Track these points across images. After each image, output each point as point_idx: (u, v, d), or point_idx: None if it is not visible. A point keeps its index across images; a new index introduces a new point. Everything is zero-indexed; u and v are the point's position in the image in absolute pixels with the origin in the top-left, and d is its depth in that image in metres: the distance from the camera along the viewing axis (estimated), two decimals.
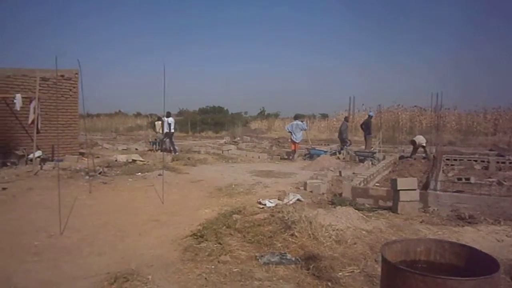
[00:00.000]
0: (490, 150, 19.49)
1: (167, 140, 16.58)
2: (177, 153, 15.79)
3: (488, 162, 13.32)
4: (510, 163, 13.33)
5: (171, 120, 16.87)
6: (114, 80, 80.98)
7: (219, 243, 4.92)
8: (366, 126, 17.12)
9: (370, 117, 17.29)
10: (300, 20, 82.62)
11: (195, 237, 5.21)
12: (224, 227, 5.51)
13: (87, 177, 9.54)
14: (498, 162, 13.37)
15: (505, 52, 67.71)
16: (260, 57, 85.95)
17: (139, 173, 10.72)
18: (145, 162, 12.83)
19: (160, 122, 17.87)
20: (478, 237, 5.41)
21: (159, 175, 9.79)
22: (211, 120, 40.22)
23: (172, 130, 16.77)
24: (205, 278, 3.97)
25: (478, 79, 65.72)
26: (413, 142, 15.63)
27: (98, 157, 13.54)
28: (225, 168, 12.67)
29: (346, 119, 17.87)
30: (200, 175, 10.97)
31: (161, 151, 15.47)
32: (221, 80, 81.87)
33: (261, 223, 5.60)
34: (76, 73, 13.26)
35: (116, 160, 12.72)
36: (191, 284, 3.87)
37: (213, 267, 4.24)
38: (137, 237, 5.42)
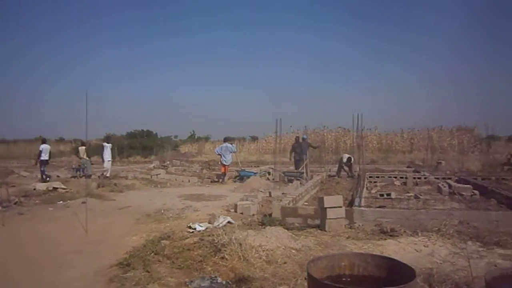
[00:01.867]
0: (408, 167, 20.88)
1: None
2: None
3: (406, 178, 14.22)
4: (425, 178, 14.33)
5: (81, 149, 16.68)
6: (34, 103, 76.06)
7: (147, 271, 4.74)
8: (302, 148, 17.02)
9: (304, 139, 17.53)
10: (228, 41, 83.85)
11: (121, 266, 4.98)
12: (152, 254, 5.33)
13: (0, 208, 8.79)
14: (414, 178, 14.32)
15: (416, 77, 73.54)
16: (190, 79, 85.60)
17: (61, 202, 10.11)
18: (67, 190, 12.12)
19: (83, 147, 17.03)
20: (399, 249, 5.71)
21: (82, 202, 9.27)
22: (139, 144, 39.04)
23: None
24: None
25: (395, 102, 70.52)
26: (341, 161, 16.28)
27: (13, 186, 12.58)
28: (154, 193, 12.32)
29: (303, 139, 17.33)
30: (128, 201, 10.56)
31: (85, 177, 14.73)
32: (150, 103, 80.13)
33: (190, 247, 5.48)
34: None
35: (34, 189, 11.89)
36: None
37: None
38: (57, 270, 5.06)
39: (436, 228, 6.45)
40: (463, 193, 10.65)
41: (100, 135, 41.36)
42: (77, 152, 17.97)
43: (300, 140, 17.17)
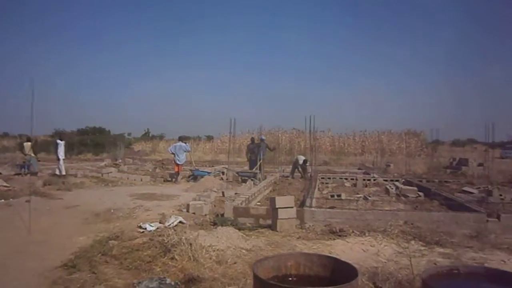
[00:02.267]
0: (359, 169, 21.54)
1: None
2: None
3: (357, 179, 14.65)
4: (374, 180, 14.83)
5: None
6: None
7: (93, 273, 4.60)
8: (259, 149, 16.97)
9: (262, 140, 17.53)
10: (181, 34, 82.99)
11: (66, 267, 4.81)
12: (100, 254, 5.19)
13: None
14: (364, 180, 14.79)
15: (370, 82, 75.96)
16: (145, 77, 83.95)
17: (2, 200, 9.62)
18: (10, 188, 11.54)
19: (29, 143, 16.27)
20: (347, 249, 5.88)
21: (26, 201, 8.85)
22: (91, 141, 37.82)
23: None
24: None
25: (348, 105, 72.56)
26: (296, 162, 16.51)
27: None
28: (104, 192, 11.98)
29: (261, 140, 17.20)
30: (76, 200, 10.20)
31: (31, 175, 14.08)
32: (103, 100, 77.82)
33: (140, 248, 5.38)
34: None
35: None
36: None
37: None
38: None
39: (382, 229, 6.70)
40: (409, 194, 11.11)
41: (48, 132, 39.73)
42: (22, 148, 17.15)
43: (257, 141, 17.24)
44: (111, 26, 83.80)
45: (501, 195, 10.59)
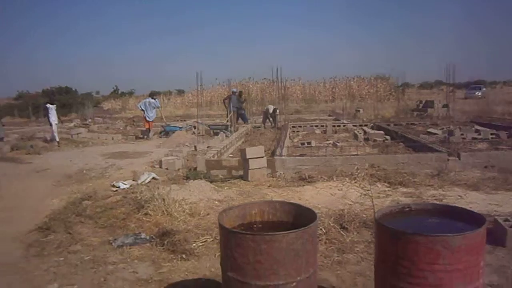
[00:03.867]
0: (329, 115, 21.85)
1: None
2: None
3: (326, 126, 14.92)
4: (344, 126, 15.15)
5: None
6: None
7: (69, 233, 4.70)
8: (230, 101, 16.79)
9: (233, 93, 17.35)
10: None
11: (41, 230, 4.87)
12: (74, 215, 5.26)
13: None
14: (334, 126, 15.09)
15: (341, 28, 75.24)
16: (111, 32, 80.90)
17: None
18: None
19: None
20: (316, 194, 6.13)
21: None
22: (58, 102, 36.67)
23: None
24: (54, 272, 3.77)
25: (317, 51, 72.10)
26: (266, 112, 16.59)
27: None
28: (75, 154, 11.85)
29: (233, 92, 17.04)
30: (46, 163, 10.08)
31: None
32: (68, 57, 74.96)
33: (113, 206, 5.48)
34: None
35: None
36: (37, 281, 3.64)
37: (61, 259, 4.05)
38: None
39: (350, 173, 6.96)
40: (376, 138, 11.47)
41: (11, 94, 38.27)
42: None
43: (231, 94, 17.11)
44: None
45: (462, 134, 11.05)
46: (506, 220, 4.17)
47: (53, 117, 13.90)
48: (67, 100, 37.13)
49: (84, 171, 8.73)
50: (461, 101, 25.87)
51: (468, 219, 2.45)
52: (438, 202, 5.36)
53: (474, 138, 10.67)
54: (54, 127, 13.84)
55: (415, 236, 2.18)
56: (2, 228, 5.15)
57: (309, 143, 10.94)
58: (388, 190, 6.35)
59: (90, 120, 24.77)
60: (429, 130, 12.72)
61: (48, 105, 14.26)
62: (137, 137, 15.67)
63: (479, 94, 36.15)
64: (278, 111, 16.34)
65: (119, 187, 6.86)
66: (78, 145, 13.78)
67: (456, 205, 4.23)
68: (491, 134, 11.18)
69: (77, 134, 15.94)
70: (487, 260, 3.36)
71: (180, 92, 42.61)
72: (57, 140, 13.71)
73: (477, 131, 11.94)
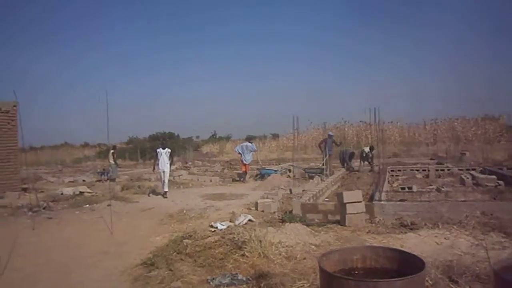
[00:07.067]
0: (431, 159, 20.59)
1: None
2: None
3: (429, 170, 14.05)
4: (448, 170, 14.13)
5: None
6: (58, 109, 78.16)
7: (170, 270, 4.88)
8: (326, 145, 16.68)
9: (330, 136, 17.23)
10: (239, 38, 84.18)
11: (145, 265, 5.14)
12: (175, 253, 5.47)
13: (30, 213, 9.13)
14: (437, 170, 14.15)
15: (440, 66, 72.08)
16: (210, 80, 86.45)
17: (87, 205, 10.40)
18: (93, 194, 12.46)
19: (112, 151, 17.33)
20: (420, 242, 5.70)
21: (108, 205, 9.54)
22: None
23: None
24: None
25: (414, 94, 69.36)
26: (362, 154, 16.23)
27: (42, 191, 13.00)
28: (176, 194, 12.53)
29: (329, 136, 16.76)
30: (151, 203, 10.80)
31: (110, 181, 15.08)
32: (172, 105, 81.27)
33: (212, 246, 5.60)
34: (15, 105, 12.78)
35: (61, 194, 12.26)
36: None
37: None
38: (84, 271, 5.25)
39: (457, 220, 6.40)
40: (487, 184, 10.48)
41: (124, 139, 42.14)
42: (108, 156, 18.18)
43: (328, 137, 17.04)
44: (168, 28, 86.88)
45: None
46: None
47: (163, 164, 11.73)
48: (171, 145, 39.81)
49: (185, 211, 9.15)
50: None
51: None
52: None
53: None
54: (163, 175, 11.75)
55: None
56: (114, 262, 5.54)
57: (410, 187, 10.36)
58: (505, 241, 5.68)
59: (190, 163, 26.18)
60: None
61: (159, 150, 11.96)
62: (233, 180, 16.16)
63: None
64: (374, 149, 15.85)
65: (217, 227, 7.04)
66: (179, 186, 14.59)
67: None
68: None
69: (179, 176, 16.95)
70: None
71: (275, 136, 43.48)
72: (166, 190, 11.84)
73: None
